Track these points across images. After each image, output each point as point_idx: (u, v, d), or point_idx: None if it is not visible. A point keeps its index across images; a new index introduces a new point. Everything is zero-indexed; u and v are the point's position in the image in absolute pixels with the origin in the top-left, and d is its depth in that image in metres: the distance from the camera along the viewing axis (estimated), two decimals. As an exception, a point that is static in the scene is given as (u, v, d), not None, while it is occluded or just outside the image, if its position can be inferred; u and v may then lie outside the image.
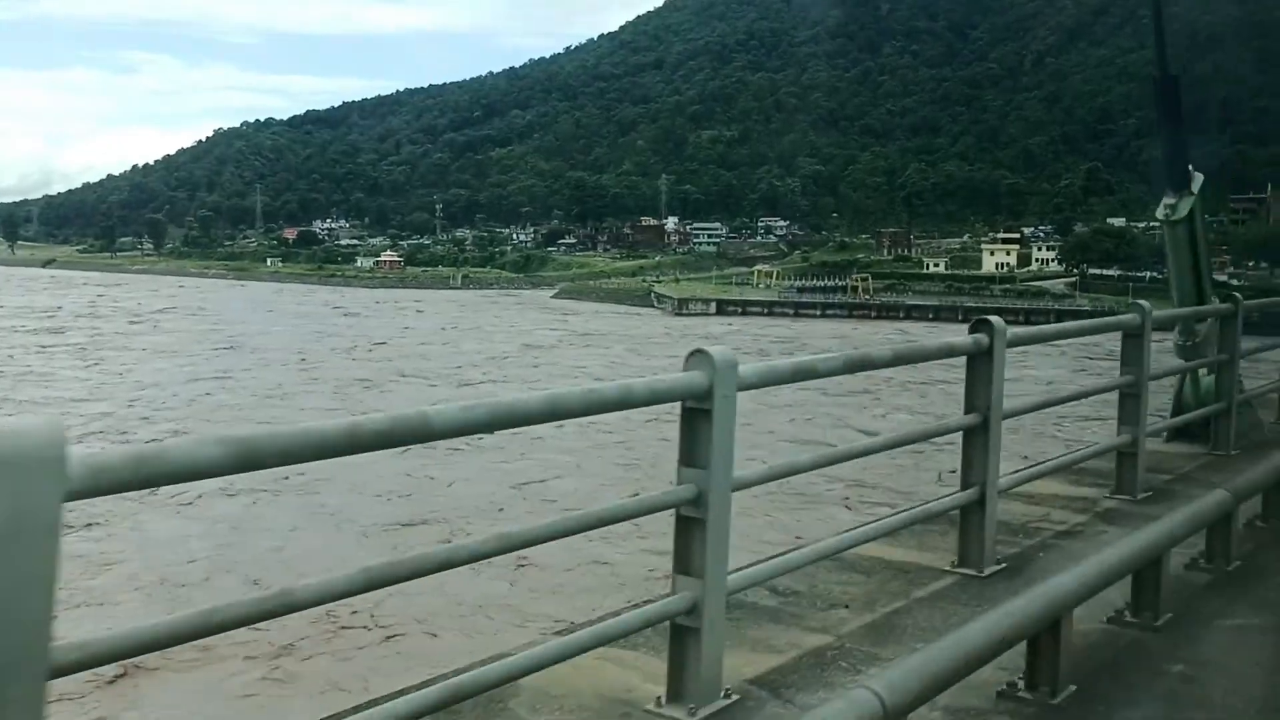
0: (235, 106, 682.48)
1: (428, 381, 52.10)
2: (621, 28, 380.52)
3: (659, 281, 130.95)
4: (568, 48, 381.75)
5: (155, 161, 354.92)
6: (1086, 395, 7.52)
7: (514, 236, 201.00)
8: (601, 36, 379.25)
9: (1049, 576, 4.71)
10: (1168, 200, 8.52)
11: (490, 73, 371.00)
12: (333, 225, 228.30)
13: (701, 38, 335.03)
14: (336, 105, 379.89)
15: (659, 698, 3.71)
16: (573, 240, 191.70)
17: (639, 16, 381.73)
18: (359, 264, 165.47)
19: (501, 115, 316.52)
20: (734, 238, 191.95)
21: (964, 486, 5.07)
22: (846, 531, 4.66)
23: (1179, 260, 8.66)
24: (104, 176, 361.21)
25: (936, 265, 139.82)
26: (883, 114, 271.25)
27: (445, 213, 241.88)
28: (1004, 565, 5.17)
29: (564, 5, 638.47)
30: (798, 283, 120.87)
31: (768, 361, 4.24)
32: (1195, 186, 8.57)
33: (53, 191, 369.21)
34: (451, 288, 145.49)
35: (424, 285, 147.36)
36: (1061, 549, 5.53)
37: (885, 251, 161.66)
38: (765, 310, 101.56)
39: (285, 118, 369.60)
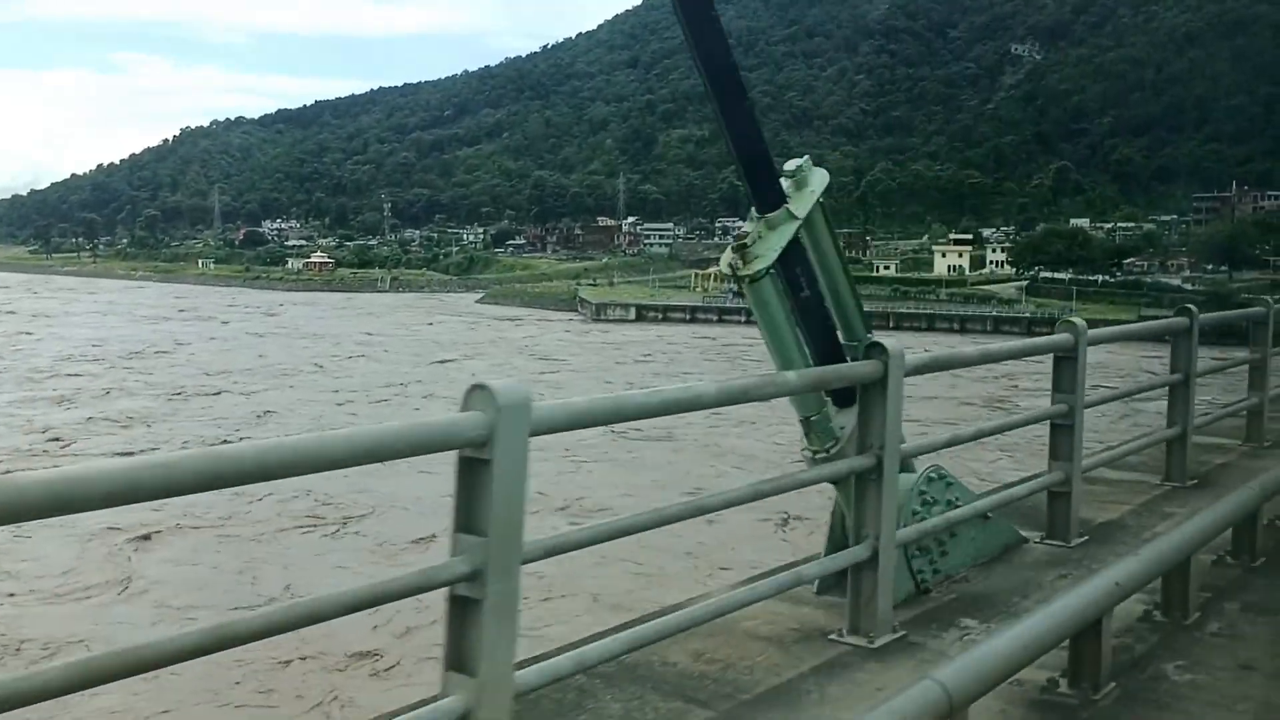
0: (226, 107, 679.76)
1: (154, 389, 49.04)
2: (599, 26, 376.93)
3: (593, 285, 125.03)
4: (544, 46, 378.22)
5: (121, 161, 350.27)
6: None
7: (464, 237, 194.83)
8: (580, 35, 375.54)
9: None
10: (735, 242, 5.13)
11: (465, 71, 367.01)
12: (282, 225, 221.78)
13: (678, 36, 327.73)
14: (309, 104, 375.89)
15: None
16: (521, 241, 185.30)
17: (616, 16, 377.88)
18: (289, 265, 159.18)
19: (473, 114, 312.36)
20: (690, 239, 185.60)
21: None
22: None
23: (766, 320, 5.23)
24: (68, 176, 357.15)
25: (887, 268, 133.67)
26: (856, 113, 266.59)
27: (408, 213, 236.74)
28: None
29: (553, 7, 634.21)
30: (733, 286, 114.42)
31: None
32: (801, 207, 5.13)
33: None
34: (379, 290, 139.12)
35: (351, 288, 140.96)
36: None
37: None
38: (688, 316, 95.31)
39: (257, 116, 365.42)
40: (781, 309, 5.07)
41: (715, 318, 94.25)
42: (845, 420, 5.04)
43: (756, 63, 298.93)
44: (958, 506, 5.28)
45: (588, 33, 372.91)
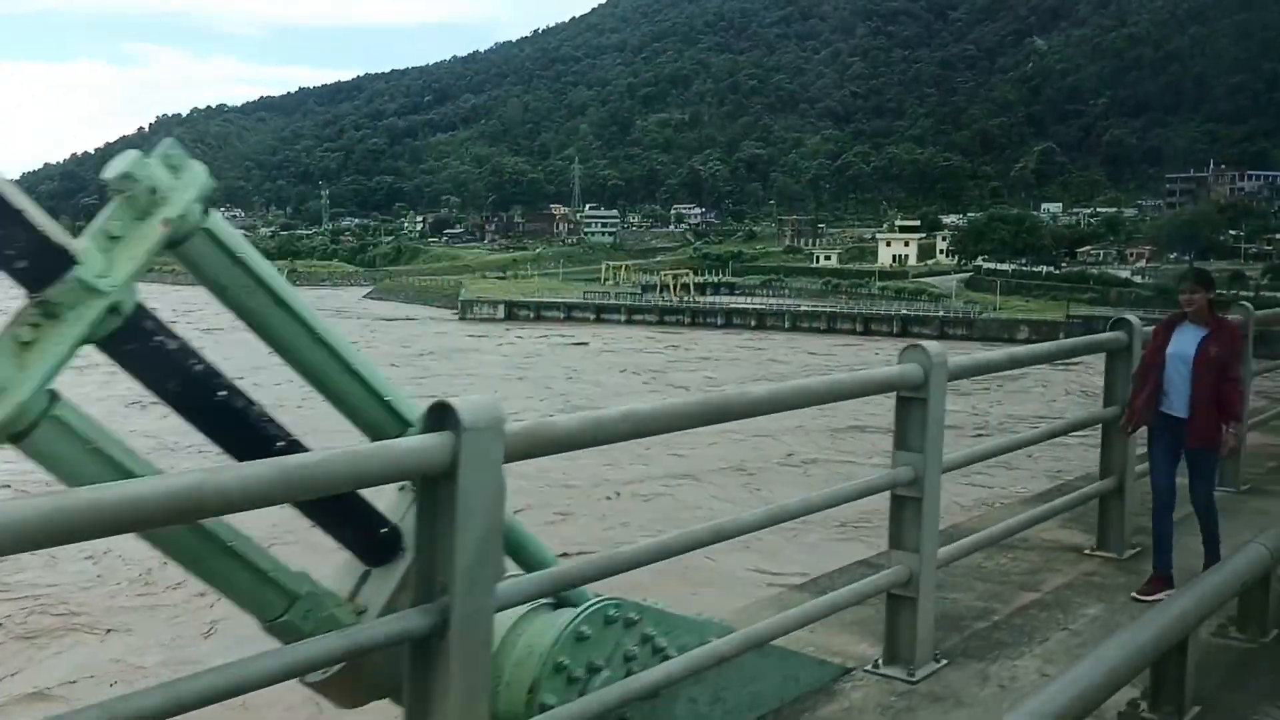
0: (239, 96, 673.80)
1: None
2: (592, 10, 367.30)
3: (501, 277, 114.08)
4: (535, 30, 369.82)
5: (95, 150, 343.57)
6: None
7: (404, 226, 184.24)
8: (573, 20, 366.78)
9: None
10: None
11: (455, 57, 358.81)
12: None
13: (670, 19, 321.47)
14: (293, 91, 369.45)
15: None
16: (459, 230, 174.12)
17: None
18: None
19: (454, 99, 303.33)
20: (640, 227, 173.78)
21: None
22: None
23: None
24: (41, 165, 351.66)
25: (828, 258, 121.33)
26: (845, 96, 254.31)
27: (371, 200, 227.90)
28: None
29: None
30: (645, 279, 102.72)
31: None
32: None
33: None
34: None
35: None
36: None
37: (788, 241, 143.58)
38: (563, 315, 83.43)
39: (239, 104, 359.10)
40: None
41: (592, 316, 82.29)
42: (376, 588, 2.95)
43: (747, 45, 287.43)
44: (663, 650, 3.50)
45: (579, 17, 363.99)
